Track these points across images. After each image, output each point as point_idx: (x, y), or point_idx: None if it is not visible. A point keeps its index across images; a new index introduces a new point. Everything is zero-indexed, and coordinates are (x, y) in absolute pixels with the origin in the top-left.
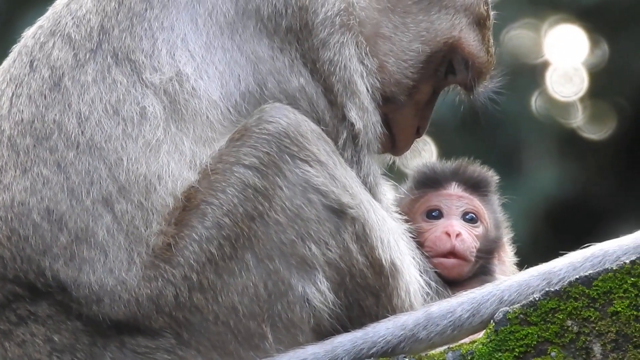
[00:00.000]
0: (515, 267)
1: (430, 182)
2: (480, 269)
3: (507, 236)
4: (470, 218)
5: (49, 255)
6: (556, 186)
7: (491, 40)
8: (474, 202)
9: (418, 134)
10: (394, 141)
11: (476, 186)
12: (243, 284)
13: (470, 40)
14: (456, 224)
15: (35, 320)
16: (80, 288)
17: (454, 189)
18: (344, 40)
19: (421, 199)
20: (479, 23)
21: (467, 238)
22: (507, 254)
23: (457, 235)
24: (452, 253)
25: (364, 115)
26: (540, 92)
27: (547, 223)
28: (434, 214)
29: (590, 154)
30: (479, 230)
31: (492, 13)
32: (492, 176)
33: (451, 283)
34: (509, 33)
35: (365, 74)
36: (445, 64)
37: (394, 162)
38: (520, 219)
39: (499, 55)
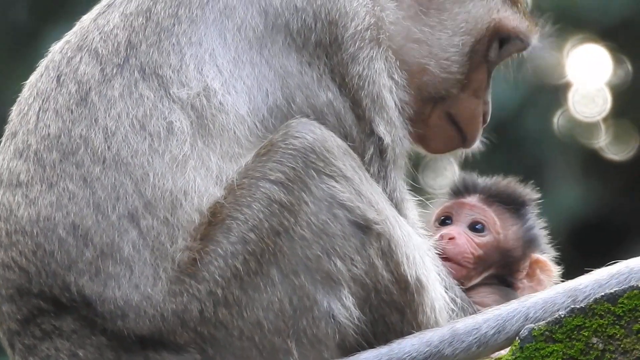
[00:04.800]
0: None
1: (454, 191)
2: (498, 280)
3: (547, 255)
4: (479, 227)
5: (74, 270)
6: (579, 205)
7: (524, 4)
8: (487, 213)
9: (484, 120)
10: (464, 135)
11: (502, 200)
12: (268, 300)
13: (509, 16)
14: (453, 229)
15: (60, 335)
16: (105, 303)
17: (471, 199)
18: (373, 55)
19: (440, 207)
20: None
21: (462, 243)
22: (546, 273)
23: (451, 238)
24: (445, 256)
25: (392, 130)
26: (563, 112)
27: (571, 242)
28: (447, 221)
29: (613, 174)
30: (485, 239)
31: None
32: (527, 192)
33: (468, 289)
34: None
35: (394, 89)
36: (493, 45)
37: (420, 178)
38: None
39: (522, 74)
